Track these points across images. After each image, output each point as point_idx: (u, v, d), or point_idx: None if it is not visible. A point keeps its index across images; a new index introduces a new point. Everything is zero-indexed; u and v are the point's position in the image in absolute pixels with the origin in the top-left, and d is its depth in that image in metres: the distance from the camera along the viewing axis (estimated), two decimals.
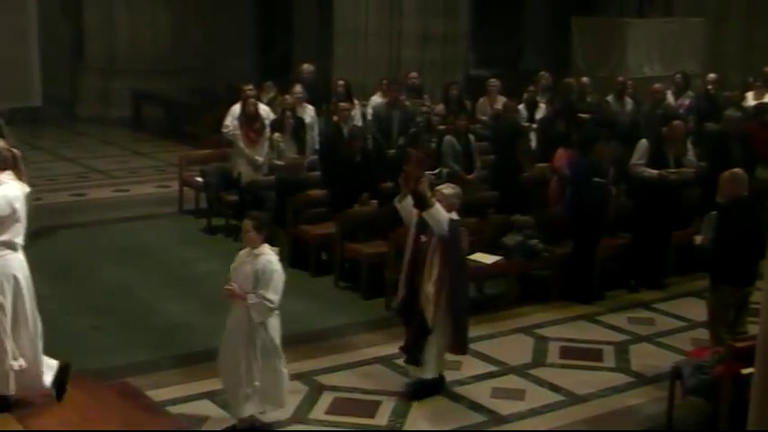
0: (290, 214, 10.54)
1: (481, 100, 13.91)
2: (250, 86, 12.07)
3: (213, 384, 7.20)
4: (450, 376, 7.76)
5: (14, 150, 6.74)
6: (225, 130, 11.91)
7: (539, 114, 13.01)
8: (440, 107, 13.49)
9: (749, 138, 10.96)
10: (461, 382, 7.77)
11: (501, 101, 13.07)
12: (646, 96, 13.33)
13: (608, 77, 15.36)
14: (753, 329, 7.16)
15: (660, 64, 17.19)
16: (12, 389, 6.63)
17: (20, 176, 6.65)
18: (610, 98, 13.37)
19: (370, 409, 7.27)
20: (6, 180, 6.56)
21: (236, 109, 11.83)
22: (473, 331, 8.74)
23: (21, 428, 6.38)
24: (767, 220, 7.70)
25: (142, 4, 19.71)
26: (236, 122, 11.73)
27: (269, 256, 6.63)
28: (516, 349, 8.51)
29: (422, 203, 7.23)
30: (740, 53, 18.69)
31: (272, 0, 21.42)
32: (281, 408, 6.92)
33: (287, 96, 12.02)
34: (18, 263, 6.61)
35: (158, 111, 18.81)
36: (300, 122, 11.62)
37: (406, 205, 7.43)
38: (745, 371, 6.14)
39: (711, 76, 14.56)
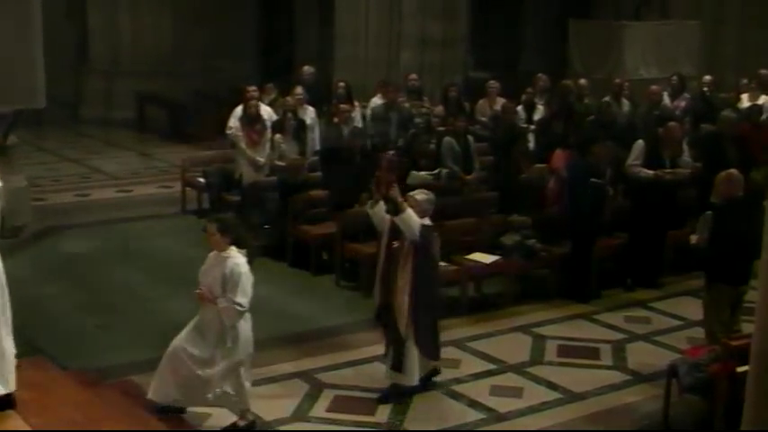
0: (290, 214, 10.61)
1: (480, 101, 13.96)
2: (252, 88, 12.09)
3: None
4: (449, 374, 7.82)
5: None
6: (229, 132, 11.92)
7: (537, 116, 13.09)
8: (439, 108, 13.56)
9: (744, 139, 11.05)
10: (460, 381, 7.82)
11: (500, 102, 13.11)
12: (642, 98, 13.39)
13: (605, 79, 15.36)
14: (747, 328, 7.20)
15: (656, 66, 17.20)
16: (13, 386, 6.48)
17: None
18: (607, 99, 13.41)
19: (371, 406, 7.32)
20: None
21: (239, 110, 11.86)
22: (472, 330, 8.87)
23: (25, 427, 6.34)
24: (762, 221, 7.73)
25: (145, 6, 19.76)
26: (238, 124, 11.78)
27: (236, 258, 6.58)
28: (514, 348, 8.56)
29: (394, 209, 7.20)
30: (735, 55, 18.69)
31: (273, 3, 21.46)
32: (247, 409, 6.82)
33: (288, 98, 12.07)
34: None
35: (161, 112, 18.84)
36: (301, 124, 11.67)
37: (378, 211, 7.40)
38: (741, 369, 6.20)
39: (707, 78, 14.63)
